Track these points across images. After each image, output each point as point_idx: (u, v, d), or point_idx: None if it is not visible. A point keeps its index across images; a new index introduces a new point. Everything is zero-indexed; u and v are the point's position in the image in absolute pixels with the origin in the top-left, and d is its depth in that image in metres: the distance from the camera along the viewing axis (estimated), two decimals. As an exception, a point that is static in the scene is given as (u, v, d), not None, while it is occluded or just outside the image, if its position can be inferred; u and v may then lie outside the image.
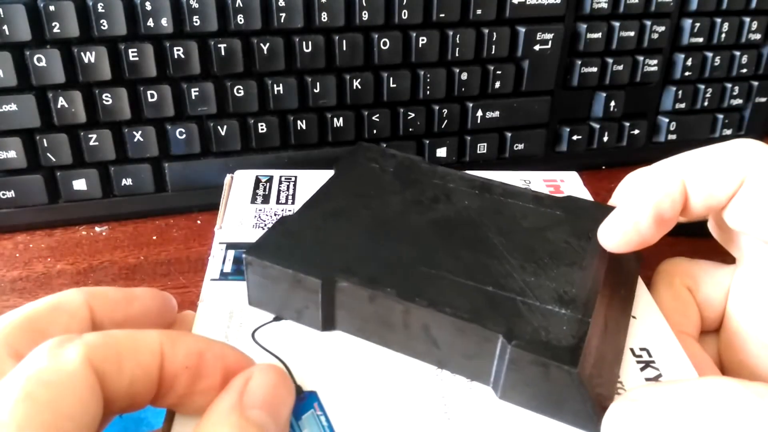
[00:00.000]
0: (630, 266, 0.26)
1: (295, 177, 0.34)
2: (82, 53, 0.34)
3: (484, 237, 0.25)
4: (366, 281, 0.22)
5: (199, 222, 0.40)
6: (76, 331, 0.19)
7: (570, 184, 0.34)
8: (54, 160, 0.36)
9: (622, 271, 0.25)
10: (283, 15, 0.36)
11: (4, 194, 0.36)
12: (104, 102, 0.36)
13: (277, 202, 0.31)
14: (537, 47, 0.41)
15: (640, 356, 0.23)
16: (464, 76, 0.40)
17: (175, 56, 0.36)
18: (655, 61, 0.44)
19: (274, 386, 0.19)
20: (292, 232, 0.25)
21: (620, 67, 0.43)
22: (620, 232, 0.24)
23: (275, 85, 0.37)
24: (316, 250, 0.24)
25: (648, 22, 0.42)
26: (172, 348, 0.18)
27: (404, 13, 0.38)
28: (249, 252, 0.23)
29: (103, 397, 0.17)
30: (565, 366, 0.19)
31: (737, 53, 0.45)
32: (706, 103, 0.46)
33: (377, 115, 0.40)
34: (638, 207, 0.24)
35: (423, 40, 0.38)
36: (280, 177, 0.34)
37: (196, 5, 0.35)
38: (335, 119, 0.39)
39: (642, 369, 0.22)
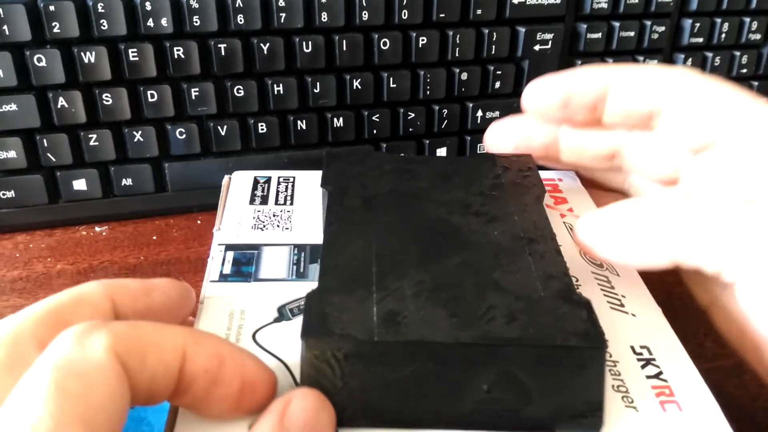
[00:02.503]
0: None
1: (294, 178, 0.33)
2: (82, 53, 0.34)
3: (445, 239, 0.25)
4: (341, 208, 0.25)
5: (199, 222, 0.40)
6: None
7: (568, 183, 0.34)
8: (54, 160, 0.36)
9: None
10: (283, 15, 0.36)
11: (4, 194, 0.37)
12: (104, 102, 0.36)
13: (276, 203, 0.31)
14: (537, 47, 0.41)
15: (641, 354, 0.23)
16: (464, 76, 0.40)
17: (175, 56, 0.36)
18: (655, 61, 0.44)
19: (314, 410, 0.18)
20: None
21: (620, 67, 0.43)
22: (530, 95, 0.28)
23: (275, 85, 0.37)
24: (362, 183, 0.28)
25: (648, 23, 0.42)
26: (195, 348, 0.18)
27: (404, 13, 0.38)
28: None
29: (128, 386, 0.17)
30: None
31: (737, 53, 0.45)
32: (706, 103, 0.46)
33: (377, 115, 0.40)
34: (552, 80, 0.27)
35: (423, 40, 0.38)
36: (279, 178, 0.33)
37: (196, 5, 0.35)
38: (335, 119, 0.39)
39: (642, 367, 0.22)
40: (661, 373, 0.22)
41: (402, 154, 0.30)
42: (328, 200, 0.27)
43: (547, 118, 0.29)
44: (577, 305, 0.21)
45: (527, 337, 0.19)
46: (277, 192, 0.32)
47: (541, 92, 0.28)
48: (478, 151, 0.42)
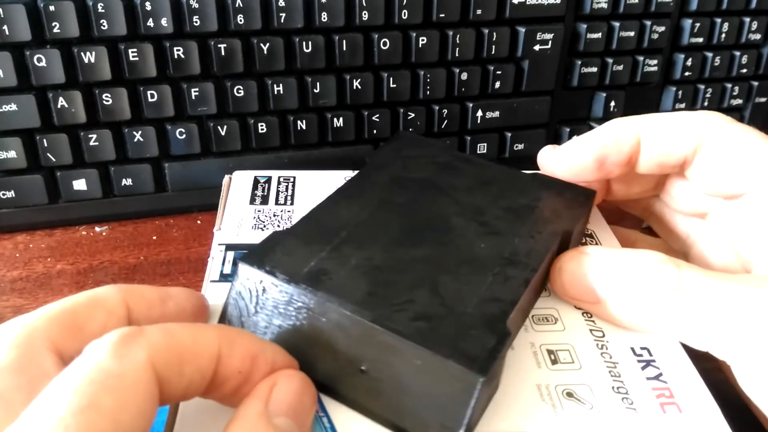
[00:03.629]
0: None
1: (294, 178, 0.33)
2: (82, 53, 0.34)
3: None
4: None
5: (199, 222, 0.40)
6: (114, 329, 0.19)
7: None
8: (54, 160, 0.36)
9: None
10: (283, 15, 0.36)
11: (4, 194, 0.36)
12: (104, 102, 0.36)
13: (276, 203, 0.31)
14: (537, 47, 0.41)
15: (641, 355, 0.23)
16: (464, 76, 0.40)
17: (175, 56, 0.36)
18: (655, 61, 0.44)
19: (298, 393, 0.19)
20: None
21: (620, 67, 0.43)
22: (563, 159, 0.28)
23: (275, 85, 0.37)
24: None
25: (648, 22, 0.42)
26: (230, 351, 0.18)
27: (404, 13, 0.38)
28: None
29: (159, 399, 0.16)
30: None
31: (737, 53, 0.45)
32: (706, 104, 0.46)
33: (377, 115, 0.40)
34: (586, 142, 0.27)
35: (423, 40, 0.38)
36: (279, 178, 0.33)
37: (196, 5, 0.35)
38: (335, 119, 0.39)
39: (643, 368, 0.22)
40: (661, 374, 0.22)
41: (467, 153, 0.30)
42: (362, 170, 0.28)
43: (580, 180, 0.28)
44: (492, 332, 0.20)
45: (414, 336, 0.19)
46: (278, 192, 0.32)
47: (573, 156, 0.28)
48: (478, 152, 0.42)
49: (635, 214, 0.33)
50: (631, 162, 0.27)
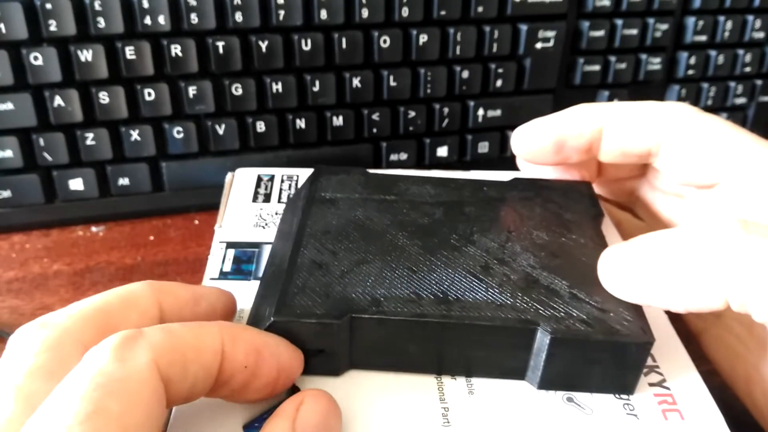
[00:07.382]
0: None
1: (298, 176, 0.33)
2: (79, 51, 0.34)
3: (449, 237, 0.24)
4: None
5: (196, 222, 0.39)
6: None
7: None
8: (50, 159, 0.36)
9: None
10: (282, 12, 0.36)
11: (0, 194, 0.36)
12: (101, 101, 0.35)
13: (279, 201, 0.31)
14: (539, 45, 0.40)
15: (644, 360, 0.23)
16: (465, 74, 0.40)
17: (173, 54, 0.35)
18: (658, 60, 0.43)
19: (324, 414, 0.19)
20: None
21: (623, 66, 0.42)
22: (522, 138, 0.28)
23: (274, 84, 0.37)
24: None
25: (651, 20, 0.42)
26: (233, 347, 0.18)
27: (405, 10, 0.37)
28: None
29: (165, 401, 0.16)
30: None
31: (741, 52, 0.45)
32: (709, 102, 0.45)
33: (377, 114, 0.39)
34: (546, 124, 0.27)
35: (424, 37, 0.38)
36: (282, 176, 0.33)
37: (193, 3, 0.34)
38: (335, 118, 0.39)
39: (646, 374, 0.22)
40: (664, 380, 0.22)
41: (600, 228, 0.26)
42: (488, 179, 0.28)
43: (538, 162, 0.28)
44: (333, 309, 0.21)
45: (290, 273, 0.22)
46: (281, 190, 0.32)
47: (532, 137, 0.27)
48: (479, 151, 0.42)
49: (620, 202, 0.32)
50: (593, 150, 0.27)
